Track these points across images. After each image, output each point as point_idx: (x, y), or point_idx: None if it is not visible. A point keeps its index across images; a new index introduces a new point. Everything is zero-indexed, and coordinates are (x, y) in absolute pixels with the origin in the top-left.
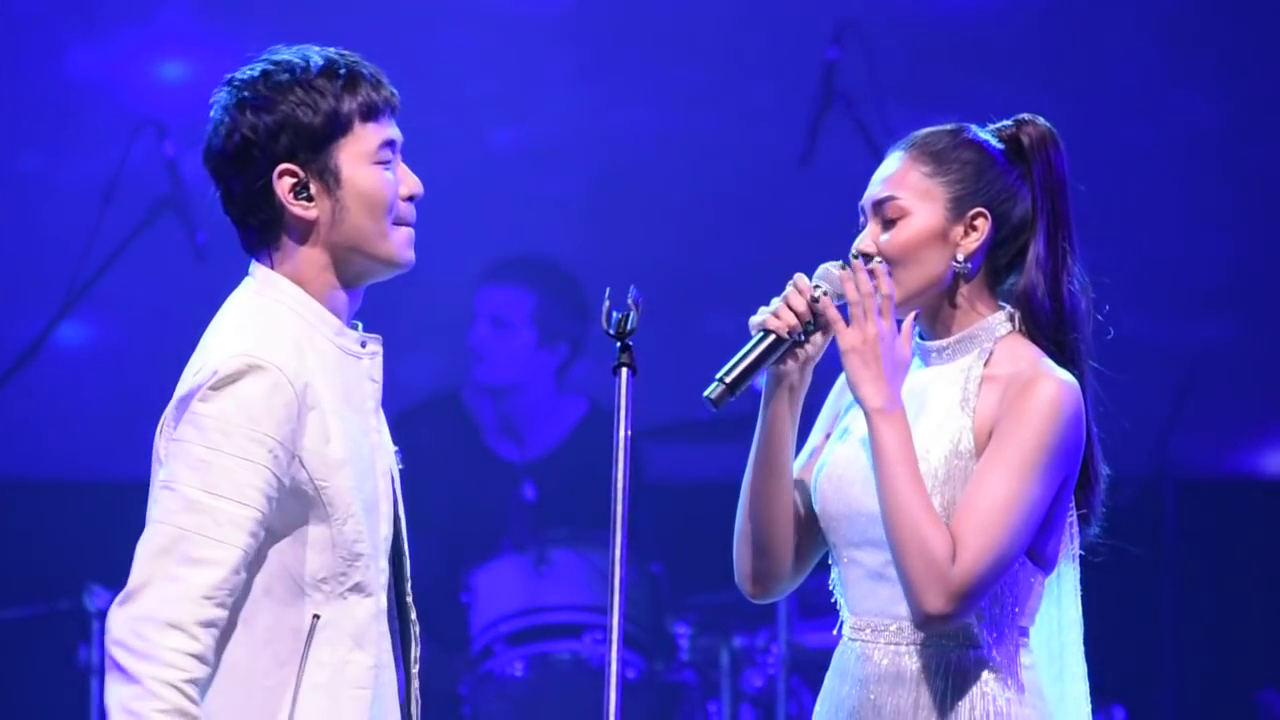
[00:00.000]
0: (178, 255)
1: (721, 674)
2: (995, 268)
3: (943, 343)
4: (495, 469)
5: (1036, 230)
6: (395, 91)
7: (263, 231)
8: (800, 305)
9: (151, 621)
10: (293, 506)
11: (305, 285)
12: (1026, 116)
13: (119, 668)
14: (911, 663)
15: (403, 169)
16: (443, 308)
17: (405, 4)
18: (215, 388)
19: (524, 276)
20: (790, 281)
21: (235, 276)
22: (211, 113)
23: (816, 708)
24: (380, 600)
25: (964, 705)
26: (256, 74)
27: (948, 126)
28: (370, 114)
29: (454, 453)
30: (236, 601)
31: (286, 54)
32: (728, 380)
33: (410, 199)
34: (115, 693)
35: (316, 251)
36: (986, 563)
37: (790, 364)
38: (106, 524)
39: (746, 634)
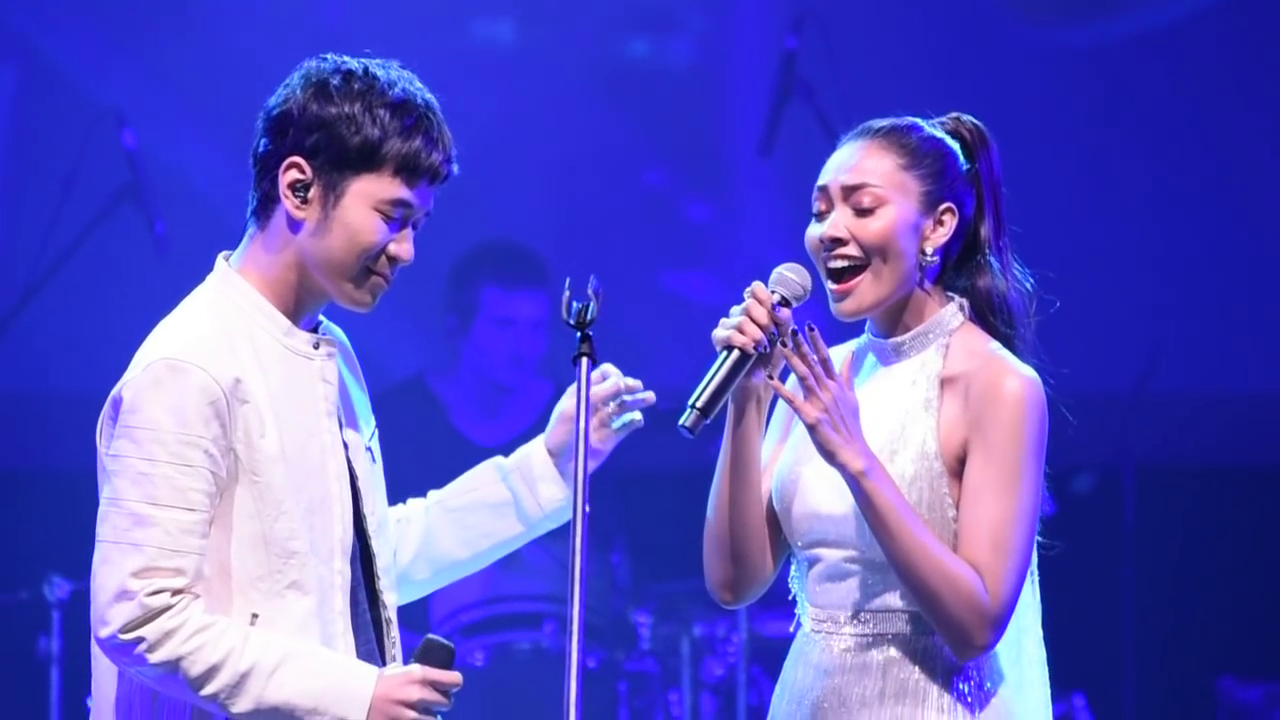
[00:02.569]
0: (136, 246)
1: (682, 663)
2: (948, 263)
3: (900, 339)
4: (465, 454)
5: (984, 227)
6: (453, 165)
7: (261, 202)
8: (763, 317)
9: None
10: (227, 501)
11: (267, 276)
12: (961, 115)
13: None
14: (876, 653)
15: (406, 233)
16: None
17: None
18: (141, 395)
19: (538, 278)
20: (748, 292)
21: (194, 267)
22: (295, 72)
23: (775, 698)
24: (334, 600)
25: (929, 692)
26: (344, 68)
27: (904, 121)
28: (406, 170)
29: (423, 439)
30: None
31: (384, 69)
32: (700, 405)
33: (394, 260)
34: (171, 682)
35: (290, 251)
36: (1014, 582)
37: (758, 375)
38: (66, 514)
39: (707, 623)
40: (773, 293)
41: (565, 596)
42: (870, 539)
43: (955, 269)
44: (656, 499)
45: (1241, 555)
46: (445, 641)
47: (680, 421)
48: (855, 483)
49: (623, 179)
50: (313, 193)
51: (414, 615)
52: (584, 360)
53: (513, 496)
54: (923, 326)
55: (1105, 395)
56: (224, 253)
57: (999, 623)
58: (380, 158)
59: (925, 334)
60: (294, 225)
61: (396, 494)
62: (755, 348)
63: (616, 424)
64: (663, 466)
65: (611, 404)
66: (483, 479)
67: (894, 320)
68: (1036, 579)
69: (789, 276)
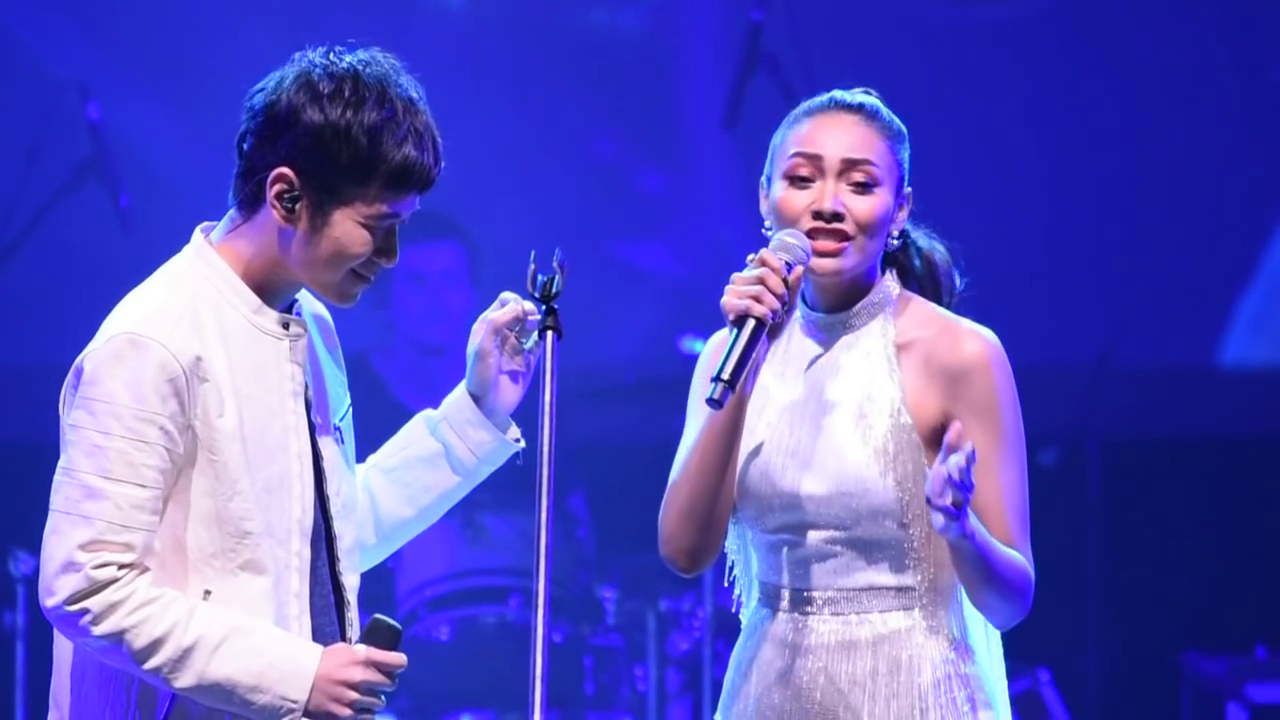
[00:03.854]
0: (100, 219)
1: (648, 637)
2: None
3: (848, 314)
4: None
5: (910, 199)
6: (440, 166)
7: (247, 197)
8: (779, 286)
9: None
10: (185, 478)
11: (245, 258)
12: (870, 90)
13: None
14: (863, 631)
15: (393, 241)
16: None
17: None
18: (101, 368)
19: (449, 231)
20: (756, 260)
21: (157, 240)
22: (288, 65)
23: (736, 680)
24: (290, 581)
25: (923, 668)
26: (335, 70)
27: (870, 98)
28: (395, 186)
29: (371, 417)
30: None
31: (372, 66)
32: (727, 378)
33: (378, 264)
34: (116, 654)
35: (273, 248)
36: (1029, 538)
37: (765, 344)
38: (30, 489)
39: (673, 598)
40: (781, 260)
41: (530, 570)
42: (853, 518)
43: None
44: (621, 473)
45: (1206, 528)
46: (391, 622)
47: (708, 395)
48: (960, 544)
49: (576, 149)
50: (300, 206)
51: (379, 589)
52: (549, 334)
53: (444, 447)
54: (868, 299)
55: (1068, 369)
56: (203, 224)
57: (1033, 585)
58: (369, 175)
59: (871, 305)
60: (280, 230)
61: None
62: (770, 316)
63: (528, 344)
64: (628, 440)
65: (517, 328)
66: (413, 435)
67: (846, 292)
68: None
69: (792, 243)
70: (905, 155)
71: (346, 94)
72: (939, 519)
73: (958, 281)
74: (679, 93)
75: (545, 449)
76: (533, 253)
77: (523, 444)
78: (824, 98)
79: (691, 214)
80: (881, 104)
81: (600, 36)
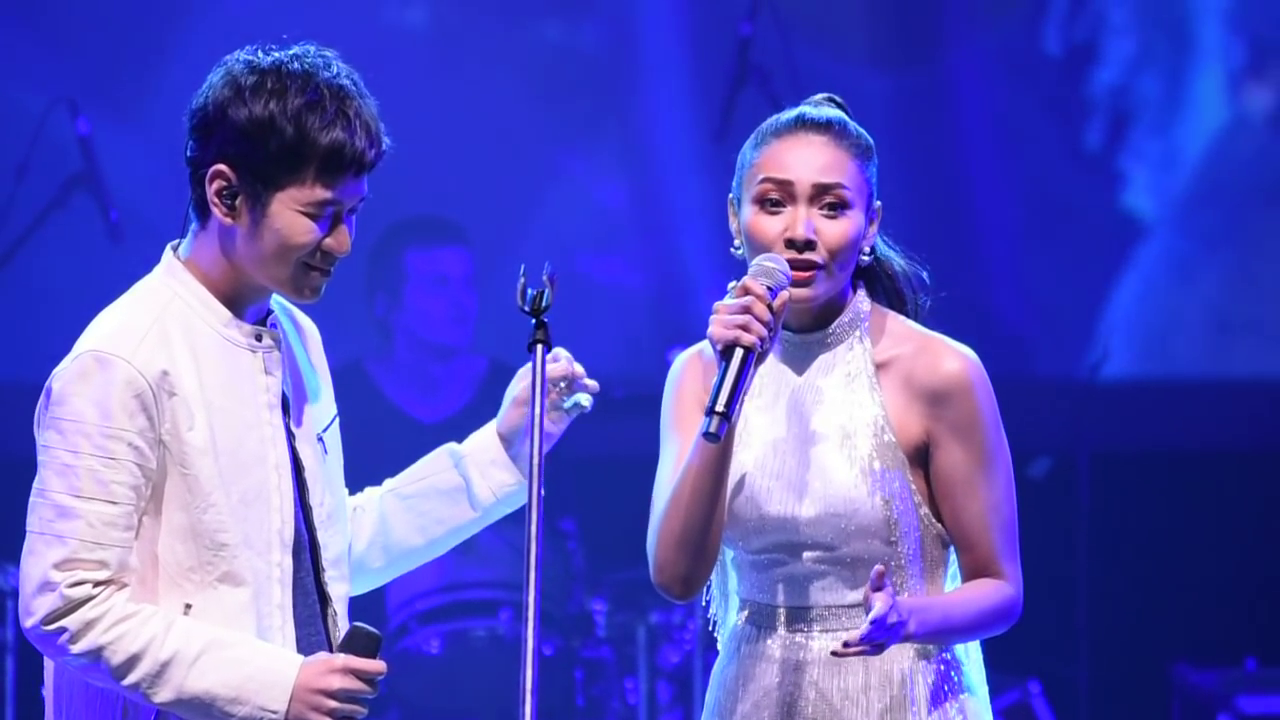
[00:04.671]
0: (90, 234)
1: (638, 650)
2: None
3: (824, 334)
4: (411, 433)
5: (879, 214)
6: (380, 148)
7: (196, 204)
8: (765, 314)
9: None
10: (159, 492)
11: (209, 270)
12: (834, 96)
13: (75, 660)
14: None
15: (341, 228)
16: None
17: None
18: (68, 387)
19: (463, 237)
20: (739, 288)
21: (148, 255)
22: (216, 68)
23: (721, 697)
24: (272, 593)
25: (916, 681)
26: (258, 65)
27: (837, 113)
28: (327, 170)
29: (367, 424)
30: None
31: (298, 60)
32: (721, 410)
33: (329, 254)
34: (95, 672)
35: (227, 251)
36: (1019, 561)
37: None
38: (19, 504)
39: (663, 610)
40: (764, 287)
41: (521, 584)
42: (842, 538)
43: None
44: (612, 486)
45: (1196, 540)
46: (371, 630)
47: (704, 429)
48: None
49: (540, 163)
50: (239, 201)
51: (369, 603)
52: (539, 347)
53: (465, 482)
54: (842, 316)
55: (1059, 381)
56: (173, 242)
57: (1022, 600)
58: (299, 161)
59: (846, 324)
60: (226, 229)
61: (348, 480)
62: (758, 344)
63: (567, 404)
64: (619, 453)
65: (562, 384)
66: (435, 466)
67: (817, 315)
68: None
69: (772, 268)
70: (873, 170)
71: (269, 85)
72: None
73: (919, 291)
74: (650, 106)
75: (535, 462)
76: (522, 266)
77: (543, 494)
78: (792, 115)
79: (650, 226)
80: (848, 115)
81: (558, 51)
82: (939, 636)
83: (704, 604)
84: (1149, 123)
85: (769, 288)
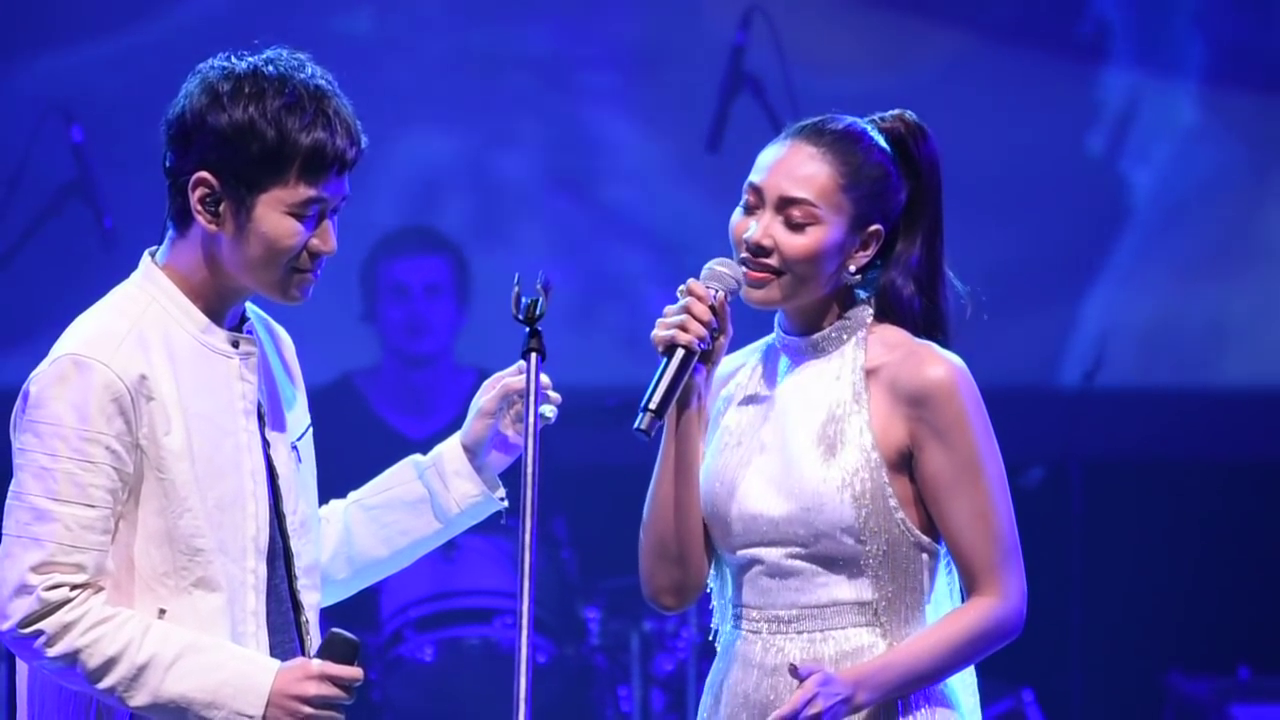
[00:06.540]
0: (85, 241)
1: (632, 658)
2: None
3: (816, 337)
4: (398, 449)
5: (915, 234)
6: (360, 146)
7: (177, 213)
8: (705, 314)
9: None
10: (135, 497)
11: (187, 275)
12: (906, 113)
13: (51, 664)
14: (826, 648)
15: (325, 226)
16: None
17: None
18: (46, 391)
19: (438, 246)
20: (683, 289)
21: None
22: (191, 76)
23: (711, 700)
24: (246, 599)
25: None
26: (233, 71)
27: (854, 127)
28: (310, 170)
29: (356, 438)
30: None
31: (272, 64)
32: (653, 407)
33: (316, 254)
34: (71, 675)
35: (209, 257)
36: (1015, 561)
37: (698, 371)
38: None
39: (656, 618)
40: (709, 288)
41: (514, 591)
42: (813, 535)
43: (872, 268)
44: (606, 494)
45: (1189, 549)
46: (349, 636)
47: (635, 425)
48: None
49: (534, 171)
50: (223, 207)
51: (363, 610)
52: (533, 355)
53: (429, 494)
54: (839, 323)
55: (1052, 390)
56: (151, 248)
57: (1021, 610)
58: (282, 162)
59: (842, 330)
60: (210, 237)
61: (335, 494)
62: (698, 344)
63: (546, 413)
64: (612, 461)
65: (515, 397)
66: (399, 477)
67: (809, 318)
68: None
69: (721, 271)
70: (875, 192)
71: (247, 89)
72: None
73: (934, 328)
74: (645, 114)
75: (529, 471)
76: (516, 275)
77: (506, 504)
78: (798, 125)
79: (662, 235)
80: (861, 131)
81: (558, 55)
82: (911, 687)
83: (712, 608)
84: (1146, 128)
85: (716, 290)
